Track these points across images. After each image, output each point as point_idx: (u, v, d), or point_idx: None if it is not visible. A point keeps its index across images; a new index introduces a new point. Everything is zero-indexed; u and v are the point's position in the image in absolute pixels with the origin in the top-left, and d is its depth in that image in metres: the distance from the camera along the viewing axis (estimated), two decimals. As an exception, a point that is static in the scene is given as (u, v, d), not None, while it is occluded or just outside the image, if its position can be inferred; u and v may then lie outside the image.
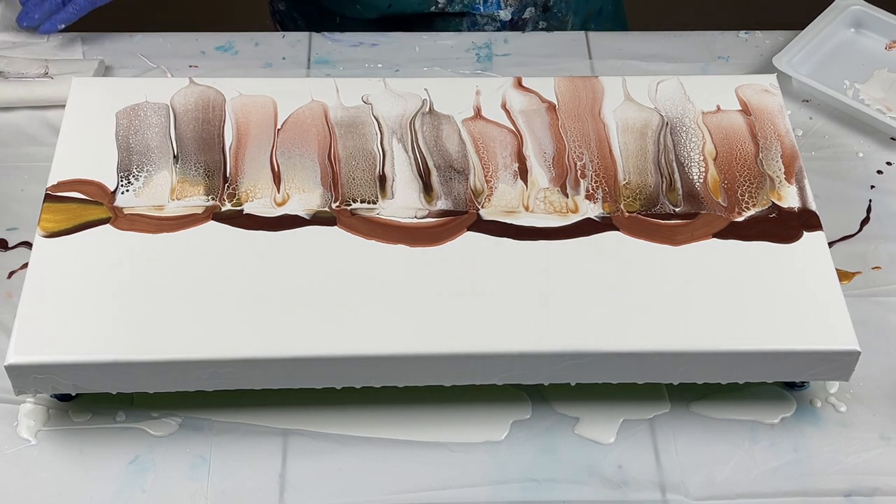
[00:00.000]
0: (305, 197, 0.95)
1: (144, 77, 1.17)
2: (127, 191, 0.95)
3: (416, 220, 0.93)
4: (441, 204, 0.95)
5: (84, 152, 0.97)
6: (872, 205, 1.07)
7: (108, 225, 0.92)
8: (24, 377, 0.85)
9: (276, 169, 0.97)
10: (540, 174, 0.97)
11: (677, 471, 0.89)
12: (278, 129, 1.00)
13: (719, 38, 1.24)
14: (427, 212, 0.94)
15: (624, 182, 0.97)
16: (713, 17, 1.64)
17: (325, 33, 1.24)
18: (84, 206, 0.93)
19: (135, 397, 0.92)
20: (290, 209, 0.94)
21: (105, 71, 1.18)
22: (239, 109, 1.02)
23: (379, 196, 0.95)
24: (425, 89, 1.04)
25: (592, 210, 0.95)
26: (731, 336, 0.86)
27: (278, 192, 0.95)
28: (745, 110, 1.03)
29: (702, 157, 0.99)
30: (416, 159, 0.98)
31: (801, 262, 0.91)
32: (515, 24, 1.31)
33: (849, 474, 0.89)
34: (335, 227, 0.93)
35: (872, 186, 1.09)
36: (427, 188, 0.96)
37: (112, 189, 0.95)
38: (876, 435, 0.92)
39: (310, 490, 0.87)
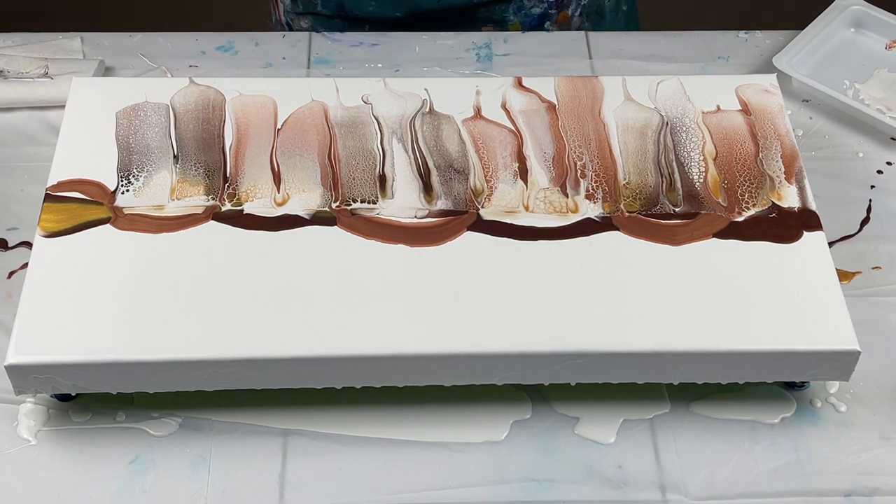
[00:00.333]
0: (305, 197, 0.95)
1: (144, 77, 1.16)
2: (127, 191, 0.95)
3: (416, 220, 0.93)
4: (441, 204, 0.95)
5: (84, 152, 0.97)
6: (872, 205, 1.07)
7: (108, 225, 0.92)
8: (24, 377, 0.85)
9: (276, 169, 0.97)
10: (540, 174, 0.97)
11: (677, 471, 0.89)
12: (278, 129, 1.00)
13: (719, 38, 1.24)
14: (427, 212, 0.94)
15: (624, 182, 0.97)
16: (713, 17, 1.64)
17: (326, 33, 1.24)
18: (84, 206, 0.93)
19: (135, 397, 0.92)
20: (290, 209, 0.94)
21: (105, 71, 1.17)
22: (239, 109, 1.02)
23: (379, 196, 0.95)
24: (425, 89, 1.04)
25: (592, 210, 0.95)
26: (731, 336, 0.86)
27: (278, 191, 0.95)
28: (745, 110, 1.03)
29: (702, 157, 0.99)
30: (416, 159, 0.98)
31: (801, 262, 0.91)
32: (561, 3, 1.31)
33: (849, 474, 0.89)
34: (335, 227, 0.93)
35: (872, 186, 1.09)
36: (427, 188, 0.96)
37: (112, 189, 0.95)
38: (876, 435, 0.91)
39: (310, 490, 0.87)
